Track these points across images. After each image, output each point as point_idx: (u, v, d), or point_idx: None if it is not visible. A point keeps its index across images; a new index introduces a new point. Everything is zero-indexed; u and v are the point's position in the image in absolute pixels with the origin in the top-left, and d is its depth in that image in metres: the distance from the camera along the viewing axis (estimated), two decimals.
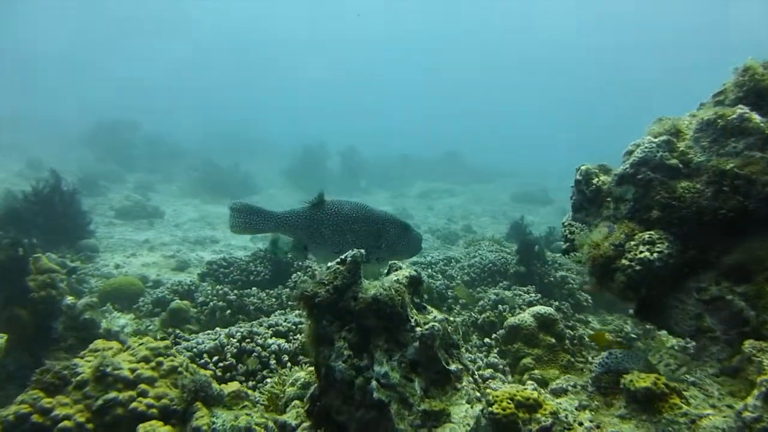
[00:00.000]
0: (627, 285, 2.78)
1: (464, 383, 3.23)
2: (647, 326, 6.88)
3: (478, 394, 3.26)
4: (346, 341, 3.01)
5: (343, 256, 3.16)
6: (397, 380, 2.91)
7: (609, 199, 3.21)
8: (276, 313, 7.32)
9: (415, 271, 3.48)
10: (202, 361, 4.59)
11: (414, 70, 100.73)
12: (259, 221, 3.81)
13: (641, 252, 2.78)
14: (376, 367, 2.94)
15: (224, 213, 18.82)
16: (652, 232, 2.82)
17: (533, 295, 7.58)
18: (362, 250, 3.16)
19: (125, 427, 3.01)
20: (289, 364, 4.72)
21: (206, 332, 5.68)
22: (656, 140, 3.02)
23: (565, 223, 3.57)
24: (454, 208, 24.41)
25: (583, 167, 3.38)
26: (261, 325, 5.21)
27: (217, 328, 5.82)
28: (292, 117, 73.49)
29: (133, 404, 3.08)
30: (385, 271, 3.63)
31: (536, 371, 3.90)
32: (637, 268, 2.76)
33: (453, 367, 3.22)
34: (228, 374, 4.56)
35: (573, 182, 3.52)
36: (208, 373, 3.69)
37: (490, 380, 3.51)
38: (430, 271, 8.96)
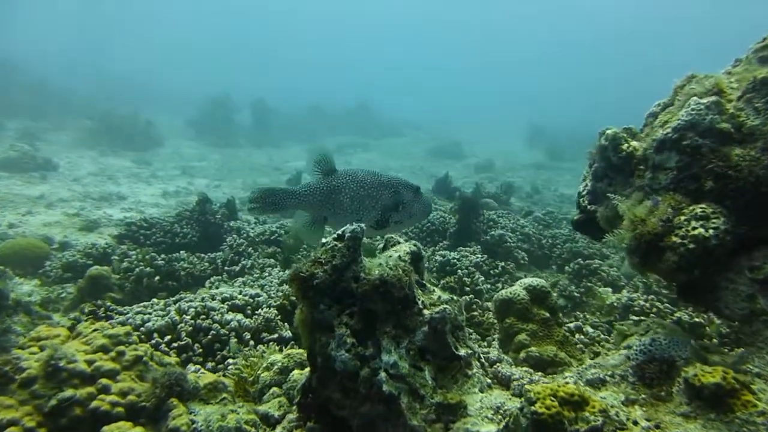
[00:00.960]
0: (679, 265, 2.45)
1: (474, 369, 2.87)
2: (586, 284, 6.87)
3: (489, 381, 2.90)
4: (348, 328, 2.68)
5: (340, 231, 2.78)
6: (407, 370, 2.64)
7: (642, 167, 2.81)
8: (212, 279, 6.53)
9: (415, 245, 3.08)
10: (153, 341, 4.21)
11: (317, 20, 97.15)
12: (279, 200, 3.59)
13: (694, 228, 2.44)
14: (384, 356, 2.64)
15: (127, 166, 17.05)
16: (704, 206, 2.49)
17: (479, 256, 7.34)
18: (362, 224, 2.88)
19: (85, 430, 2.61)
20: (251, 342, 4.26)
21: (141, 304, 5.05)
22: (704, 101, 2.67)
23: (583, 193, 3.16)
24: (371, 163, 24.00)
25: (609, 131, 2.97)
26: (214, 299, 4.57)
27: (154, 300, 5.13)
28: (195, 66, 67.60)
29: (94, 403, 2.67)
30: (381, 245, 3.17)
31: (533, 348, 3.57)
32: (691, 246, 2.44)
33: (462, 352, 2.92)
34: (184, 355, 4.15)
35: (595, 147, 3.07)
36: (174, 360, 3.06)
37: (497, 364, 3.11)
38: None
